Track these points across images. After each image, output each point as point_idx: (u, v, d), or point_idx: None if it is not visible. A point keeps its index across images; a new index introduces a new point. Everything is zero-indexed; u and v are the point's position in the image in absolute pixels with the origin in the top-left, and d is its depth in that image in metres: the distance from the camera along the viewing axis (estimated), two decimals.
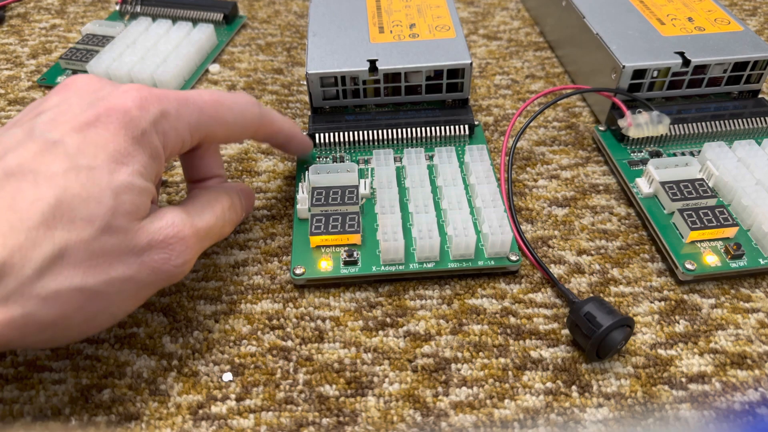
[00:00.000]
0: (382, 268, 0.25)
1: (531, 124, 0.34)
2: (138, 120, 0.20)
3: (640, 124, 0.30)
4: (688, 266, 0.25)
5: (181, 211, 0.21)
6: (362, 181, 0.28)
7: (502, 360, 0.23)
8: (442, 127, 0.31)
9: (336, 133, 0.31)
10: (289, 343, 0.24)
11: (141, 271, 0.20)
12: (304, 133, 0.30)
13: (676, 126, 0.31)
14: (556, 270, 0.26)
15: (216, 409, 0.22)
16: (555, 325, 0.24)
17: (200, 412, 0.22)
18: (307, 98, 0.36)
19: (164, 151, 0.21)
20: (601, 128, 0.32)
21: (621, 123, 0.30)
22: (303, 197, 0.27)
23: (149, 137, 0.20)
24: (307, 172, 0.29)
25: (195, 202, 0.23)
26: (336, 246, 0.26)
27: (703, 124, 0.31)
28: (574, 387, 0.22)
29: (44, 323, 0.18)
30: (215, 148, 0.26)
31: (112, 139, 0.19)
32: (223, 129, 0.23)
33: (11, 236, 0.17)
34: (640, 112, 0.30)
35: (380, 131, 0.31)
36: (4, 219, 0.17)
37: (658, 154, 0.31)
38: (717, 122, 0.31)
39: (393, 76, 0.31)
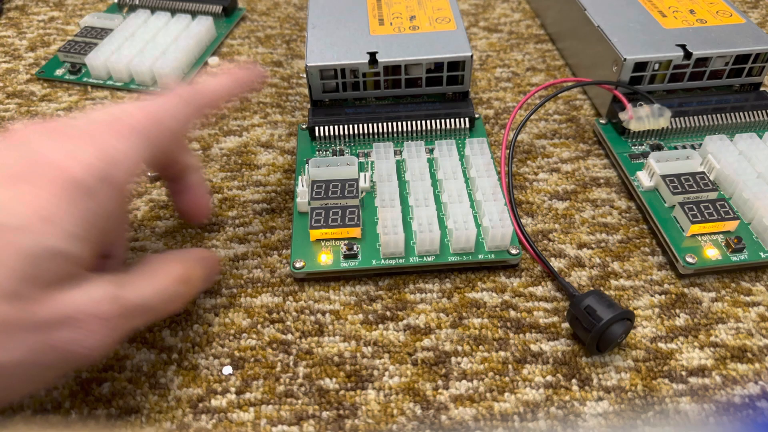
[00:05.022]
0: (382, 261, 0.25)
1: (531, 117, 0.34)
2: (81, 177, 0.17)
3: (641, 117, 0.30)
4: (689, 260, 0.25)
5: (108, 283, 0.18)
6: (362, 174, 0.28)
7: (502, 353, 0.23)
8: (443, 120, 0.31)
9: (336, 126, 0.31)
10: (289, 337, 0.24)
11: (44, 351, 0.17)
12: (248, 66, 0.26)
13: (677, 119, 0.30)
14: (556, 263, 0.26)
15: (216, 402, 0.22)
16: (555, 319, 0.24)
17: (200, 405, 0.22)
18: (306, 91, 0.36)
19: (118, 202, 0.19)
20: (602, 121, 0.32)
21: (622, 116, 0.30)
22: (303, 190, 0.27)
23: (95, 194, 0.18)
24: (306, 165, 0.29)
25: (137, 269, 0.20)
26: (336, 239, 0.26)
27: (705, 117, 0.31)
28: (574, 380, 0.22)
29: None
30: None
31: (44, 195, 0.17)
32: (174, 134, 0.22)
33: None
34: (641, 104, 0.30)
35: (380, 124, 0.31)
36: None
37: (659, 147, 0.30)
38: (718, 115, 0.31)
39: (393, 69, 0.31)
